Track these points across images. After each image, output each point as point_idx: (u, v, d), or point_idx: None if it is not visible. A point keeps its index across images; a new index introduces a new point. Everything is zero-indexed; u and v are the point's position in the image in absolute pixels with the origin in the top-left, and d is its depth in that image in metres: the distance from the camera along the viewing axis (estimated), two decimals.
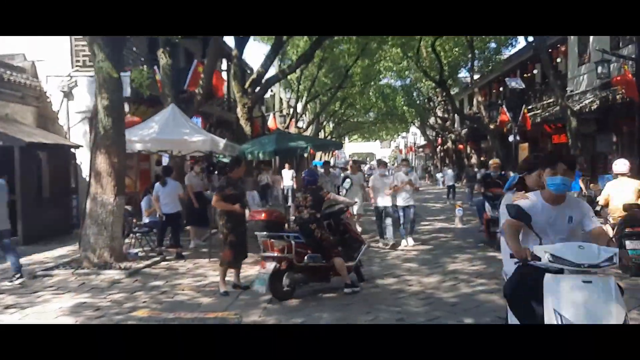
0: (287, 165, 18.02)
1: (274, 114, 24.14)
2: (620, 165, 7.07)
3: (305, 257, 5.82)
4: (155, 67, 11.42)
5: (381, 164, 9.82)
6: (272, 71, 17.09)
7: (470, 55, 22.45)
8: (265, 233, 5.74)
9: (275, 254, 5.66)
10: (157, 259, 8.15)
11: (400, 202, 9.32)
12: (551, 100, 21.25)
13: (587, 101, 15.69)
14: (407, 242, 9.51)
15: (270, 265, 5.54)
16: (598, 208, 7.04)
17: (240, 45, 14.78)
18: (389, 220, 9.31)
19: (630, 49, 12.55)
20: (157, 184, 8.34)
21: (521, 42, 24.44)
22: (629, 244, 6.42)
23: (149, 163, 14.99)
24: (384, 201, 9.30)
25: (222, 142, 8.49)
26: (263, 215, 5.97)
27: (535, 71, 23.72)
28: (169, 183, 8.17)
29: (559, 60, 21.95)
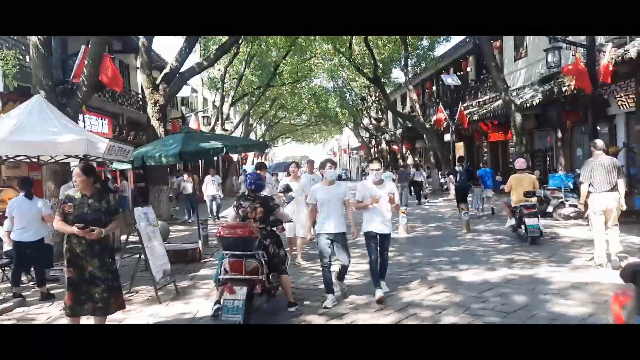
0: (211, 171, 15.93)
1: (197, 114, 21.99)
2: (521, 163, 9.40)
3: (271, 276, 5.19)
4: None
5: (331, 163, 5.93)
6: (190, 65, 15.05)
7: (403, 52, 21.43)
8: (237, 252, 4.82)
9: (248, 277, 4.79)
10: (9, 304, 6.03)
11: (372, 227, 5.62)
12: (487, 97, 20.66)
13: (527, 96, 14.94)
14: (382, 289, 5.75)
15: (241, 290, 4.67)
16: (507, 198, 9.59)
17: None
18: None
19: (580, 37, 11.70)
20: (12, 200, 6.20)
21: (454, 39, 23.88)
22: (527, 221, 8.45)
23: (40, 173, 12.45)
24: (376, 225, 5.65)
25: (103, 143, 6.46)
26: (239, 231, 4.85)
27: (468, 69, 23.16)
28: (26, 200, 6.03)
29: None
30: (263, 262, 4.90)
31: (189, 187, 14.70)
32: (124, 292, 5.06)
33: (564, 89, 11.93)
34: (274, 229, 5.45)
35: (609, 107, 12.93)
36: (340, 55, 21.32)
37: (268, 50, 22.03)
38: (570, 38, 10.77)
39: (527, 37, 17.22)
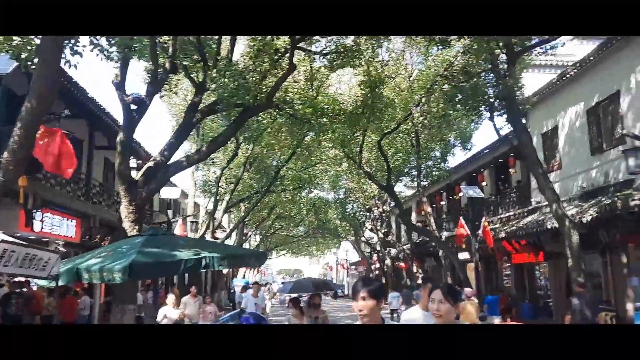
0: (191, 290, 12.27)
1: (184, 218, 19.62)
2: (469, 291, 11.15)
3: None
4: None
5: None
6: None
7: (416, 157, 19.71)
8: None
9: None
10: None
11: None
12: (510, 214, 18.52)
13: (571, 211, 12.70)
14: None
15: None
16: None
17: (129, 119, 10.69)
18: None
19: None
20: None
21: (473, 149, 22.38)
22: None
23: None
24: None
25: (20, 252, 4.00)
26: None
27: (484, 183, 21.31)
28: None
29: (511, 170, 19.69)
30: None
31: (172, 315, 10.59)
32: None
33: (632, 203, 9.69)
34: None
35: None
36: (350, 160, 19.50)
37: (270, 153, 20.27)
38: None
39: (560, 148, 15.48)
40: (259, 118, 15.49)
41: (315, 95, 14.16)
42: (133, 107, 10.77)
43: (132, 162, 13.89)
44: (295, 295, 12.49)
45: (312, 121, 13.83)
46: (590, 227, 12.10)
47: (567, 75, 14.74)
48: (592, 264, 13.99)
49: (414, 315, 4.43)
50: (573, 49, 16.76)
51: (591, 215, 11.46)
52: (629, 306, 11.36)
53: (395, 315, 17.66)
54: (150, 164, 11.82)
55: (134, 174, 12.07)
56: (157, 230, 7.64)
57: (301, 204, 30.90)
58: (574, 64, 14.71)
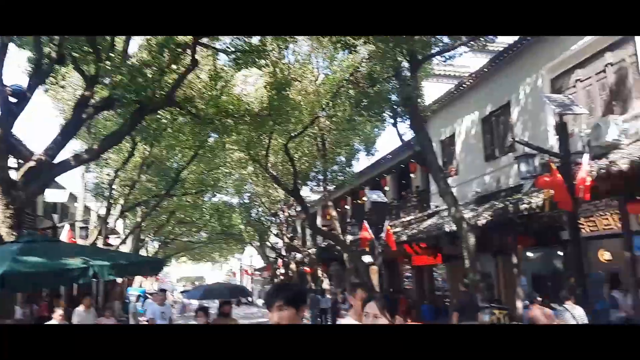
0: (85, 302, 11.20)
1: (72, 224, 17.96)
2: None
3: None
4: None
5: None
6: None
7: (322, 161, 19.77)
8: None
9: None
10: None
11: None
12: (411, 217, 19.16)
13: (469, 213, 13.32)
14: None
15: None
16: None
17: (8, 113, 9.52)
18: None
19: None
20: None
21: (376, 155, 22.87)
22: None
23: None
24: None
25: None
26: None
27: (387, 187, 21.92)
28: None
29: (412, 175, 20.43)
30: None
31: None
32: None
33: (521, 207, 10.29)
34: None
35: (563, 231, 11.57)
36: (256, 163, 19.04)
37: (170, 155, 19.23)
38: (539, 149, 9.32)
39: (457, 155, 16.26)
40: (158, 117, 14.59)
41: (219, 94, 13.59)
42: (12, 100, 9.68)
43: (12, 162, 12.47)
44: (204, 302, 11.68)
45: (216, 122, 13.24)
46: (484, 230, 12.75)
47: (464, 85, 15.52)
48: (486, 265, 14.79)
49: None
50: (468, 60, 17.68)
51: (485, 218, 12.06)
52: (519, 304, 12.10)
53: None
54: (31, 163, 10.59)
55: (13, 174, 10.80)
56: (37, 236, 6.72)
57: (204, 209, 29.78)
58: (470, 74, 15.53)
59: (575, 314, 7.33)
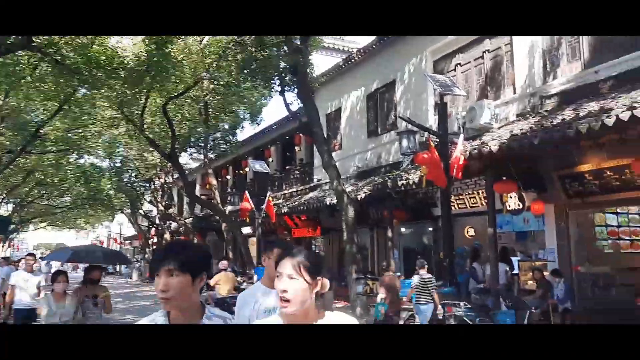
0: None
1: None
2: (224, 263, 11.25)
3: None
4: None
5: None
6: None
7: (204, 127, 18.86)
8: None
9: None
10: None
11: None
12: (293, 190, 19.13)
13: (350, 187, 13.52)
14: None
15: None
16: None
17: None
18: None
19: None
20: None
21: (263, 124, 22.29)
22: None
23: None
24: None
25: None
26: None
27: (270, 159, 21.63)
28: None
29: (297, 148, 20.36)
30: None
31: None
32: None
33: (399, 182, 10.60)
34: None
35: (435, 208, 12.21)
36: (130, 123, 17.55)
37: (29, 107, 17.04)
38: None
39: (342, 129, 16.40)
40: (15, 61, 12.74)
41: (90, 43, 12.13)
42: None
43: None
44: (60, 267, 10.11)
45: (85, 73, 11.86)
46: (363, 204, 13.06)
47: (352, 60, 15.60)
48: (362, 238, 15.25)
49: (247, 298, 2.96)
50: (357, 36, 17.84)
51: (365, 192, 12.31)
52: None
53: None
54: None
55: None
56: None
57: (68, 170, 27.14)
58: (358, 50, 15.64)
59: (425, 278, 8.91)
